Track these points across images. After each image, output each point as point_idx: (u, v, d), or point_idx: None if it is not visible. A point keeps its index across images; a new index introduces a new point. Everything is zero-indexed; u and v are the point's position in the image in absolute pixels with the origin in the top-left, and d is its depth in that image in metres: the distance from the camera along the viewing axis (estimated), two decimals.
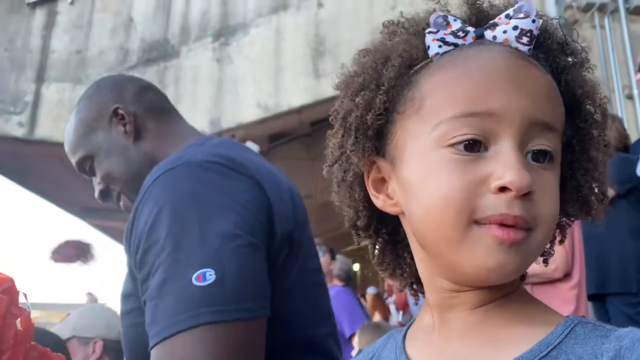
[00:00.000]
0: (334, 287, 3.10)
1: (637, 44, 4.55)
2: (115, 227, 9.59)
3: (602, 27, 4.65)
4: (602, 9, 4.65)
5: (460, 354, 0.52)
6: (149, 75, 5.82)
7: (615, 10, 4.62)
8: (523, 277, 0.56)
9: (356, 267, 9.91)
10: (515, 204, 0.46)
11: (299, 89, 5.48)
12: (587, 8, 4.67)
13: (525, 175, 0.46)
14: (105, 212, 8.12)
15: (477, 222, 0.47)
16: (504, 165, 0.46)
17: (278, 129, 6.49)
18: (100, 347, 1.76)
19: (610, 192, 2.81)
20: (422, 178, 0.50)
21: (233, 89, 5.62)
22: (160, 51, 5.92)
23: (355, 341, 2.51)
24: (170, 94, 5.51)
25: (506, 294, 0.52)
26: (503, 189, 0.46)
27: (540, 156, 0.49)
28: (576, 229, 2.33)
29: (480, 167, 0.48)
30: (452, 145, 0.49)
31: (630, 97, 4.42)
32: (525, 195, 0.46)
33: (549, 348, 0.47)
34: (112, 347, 1.76)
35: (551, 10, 4.76)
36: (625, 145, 3.01)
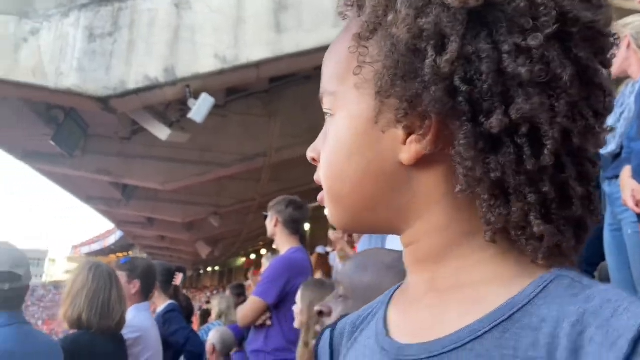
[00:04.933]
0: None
1: None
2: (60, 173, 9.27)
3: None
4: None
5: (428, 315, 0.48)
6: (102, 15, 5.52)
7: None
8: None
9: (307, 227, 9.99)
10: None
11: (259, 43, 5.34)
12: None
13: (310, 148, 0.53)
14: (50, 156, 7.82)
15: None
16: None
17: (235, 82, 6.34)
18: None
19: None
20: None
21: (190, 37, 5.42)
22: None
23: (298, 296, 2.53)
24: (123, 38, 5.25)
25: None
26: None
27: None
28: None
29: None
30: None
31: None
32: (316, 162, 0.53)
33: (513, 310, 0.42)
34: None
35: None
36: None
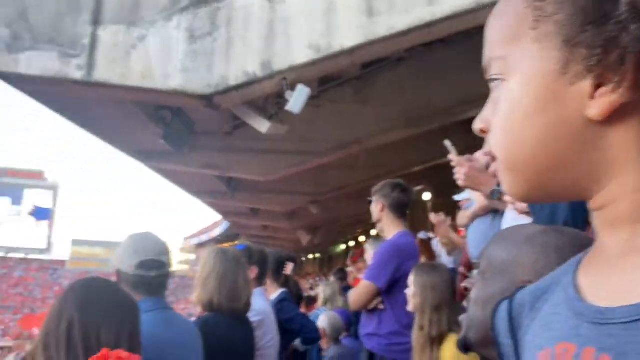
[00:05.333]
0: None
1: None
2: (170, 169, 9.87)
3: None
4: None
5: (629, 277, 0.44)
6: (201, 16, 5.77)
7: None
8: None
9: None
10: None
11: (351, 29, 5.33)
12: None
13: (478, 119, 0.50)
14: (161, 154, 8.34)
15: None
16: None
17: (329, 71, 6.37)
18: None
19: None
20: None
21: (284, 29, 5.52)
22: None
23: (410, 280, 2.51)
24: (222, 36, 5.43)
25: None
26: None
27: None
28: None
29: None
30: None
31: None
32: (486, 133, 0.50)
33: None
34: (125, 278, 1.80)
35: None
36: None
